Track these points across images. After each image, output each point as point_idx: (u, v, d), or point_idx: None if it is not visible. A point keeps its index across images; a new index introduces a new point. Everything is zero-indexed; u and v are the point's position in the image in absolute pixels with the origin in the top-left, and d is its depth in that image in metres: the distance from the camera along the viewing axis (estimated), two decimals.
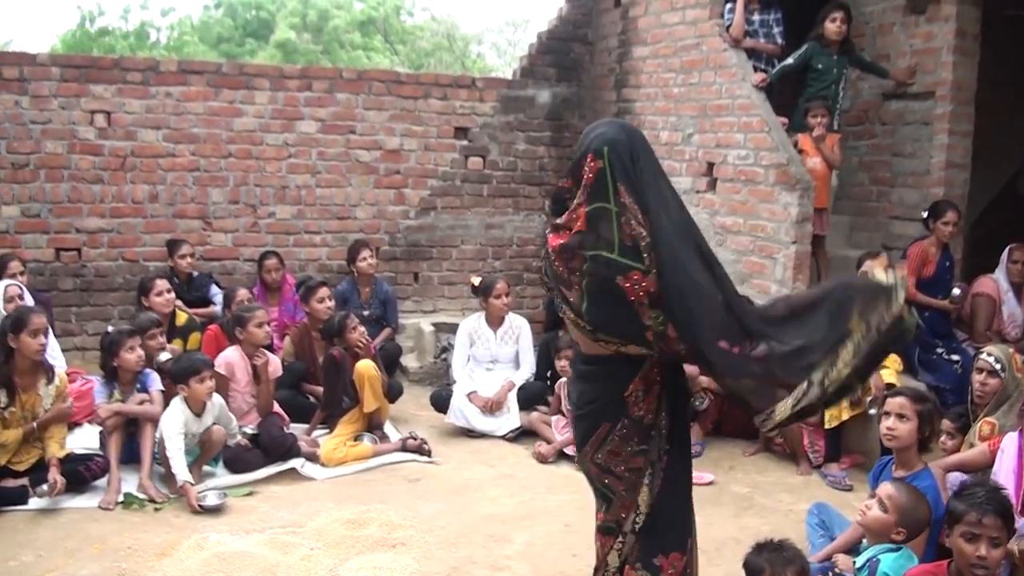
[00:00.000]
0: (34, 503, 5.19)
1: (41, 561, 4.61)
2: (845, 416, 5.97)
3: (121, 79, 8.17)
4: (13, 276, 7.01)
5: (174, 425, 5.52)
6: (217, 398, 5.81)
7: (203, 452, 5.71)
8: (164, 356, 6.13)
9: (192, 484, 5.38)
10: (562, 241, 3.04)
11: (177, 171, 8.34)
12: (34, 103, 7.99)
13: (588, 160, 3.01)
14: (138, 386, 5.82)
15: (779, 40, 7.50)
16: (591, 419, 3.26)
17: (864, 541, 4.14)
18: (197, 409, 5.65)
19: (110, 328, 6.29)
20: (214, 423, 5.71)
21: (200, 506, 5.26)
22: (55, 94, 8.04)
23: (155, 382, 5.87)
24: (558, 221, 3.08)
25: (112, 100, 8.16)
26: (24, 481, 5.30)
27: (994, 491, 3.68)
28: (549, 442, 6.37)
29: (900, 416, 4.42)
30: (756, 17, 7.48)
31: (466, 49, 30.47)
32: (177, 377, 5.70)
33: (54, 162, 8.09)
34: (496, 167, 9.21)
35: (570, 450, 6.10)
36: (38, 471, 5.33)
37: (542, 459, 6.25)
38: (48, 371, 5.48)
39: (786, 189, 6.70)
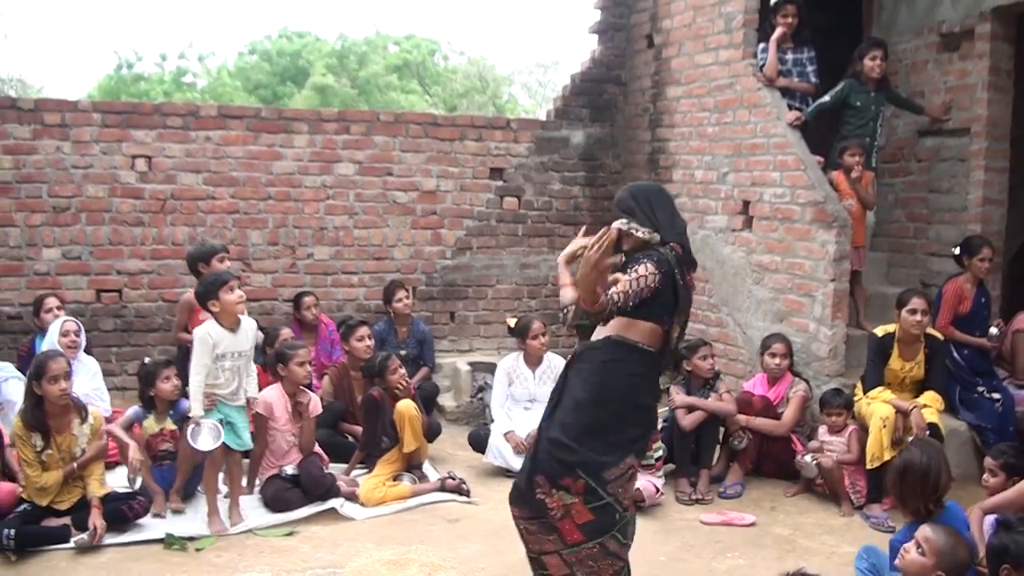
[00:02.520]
0: (79, 540, 5.21)
1: None
2: (887, 456, 5.89)
3: (162, 124, 8.34)
4: (50, 312, 7.10)
5: (203, 354, 5.52)
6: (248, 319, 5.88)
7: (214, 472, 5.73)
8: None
9: (198, 422, 5.49)
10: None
11: (217, 213, 8.47)
12: (75, 148, 8.16)
13: None
14: (171, 413, 5.92)
15: (812, 79, 7.53)
16: None
17: None
18: (231, 324, 5.64)
19: (147, 359, 6.36)
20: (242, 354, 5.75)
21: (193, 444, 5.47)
22: (96, 139, 8.20)
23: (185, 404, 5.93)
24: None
25: (153, 145, 8.31)
26: (66, 520, 5.34)
27: None
28: None
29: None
30: (789, 56, 7.52)
31: (498, 90, 30.71)
32: (206, 295, 5.63)
33: (95, 205, 8.24)
34: (531, 207, 9.26)
35: None
36: (80, 509, 5.38)
37: None
38: (81, 411, 5.51)
39: (823, 227, 6.69)
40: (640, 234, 4.04)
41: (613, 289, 3.74)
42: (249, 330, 5.82)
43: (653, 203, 4.14)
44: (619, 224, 4.03)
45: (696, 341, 6.85)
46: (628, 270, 3.89)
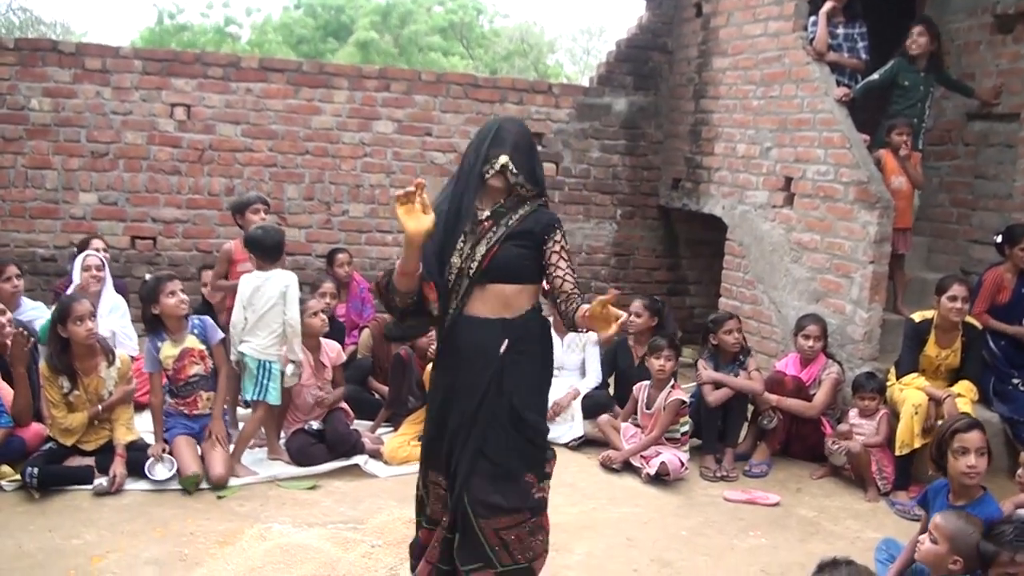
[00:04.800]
0: (98, 487, 5.24)
1: (104, 541, 4.66)
2: (917, 444, 5.80)
3: (202, 74, 8.33)
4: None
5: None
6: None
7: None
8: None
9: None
10: None
11: (254, 166, 8.47)
12: (115, 94, 8.18)
13: None
14: (195, 331, 5.67)
15: (863, 55, 7.37)
16: None
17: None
18: None
19: (147, 276, 6.29)
20: None
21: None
22: (137, 86, 8.21)
23: (216, 333, 5.76)
24: None
25: (192, 94, 8.32)
26: (90, 461, 5.39)
27: (1022, 526, 3.57)
28: (617, 449, 6.29)
29: (980, 452, 4.21)
30: (840, 31, 7.36)
31: (541, 55, 30.49)
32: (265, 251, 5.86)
33: (133, 152, 8.27)
34: (569, 174, 9.18)
35: (636, 460, 6.04)
36: (106, 452, 5.42)
37: (608, 463, 6.16)
38: (108, 354, 5.52)
39: (865, 207, 6.57)
40: (524, 190, 3.64)
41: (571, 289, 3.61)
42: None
43: (534, 149, 3.72)
44: (504, 162, 3.57)
45: (723, 315, 6.78)
46: (540, 240, 3.62)
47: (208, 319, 5.87)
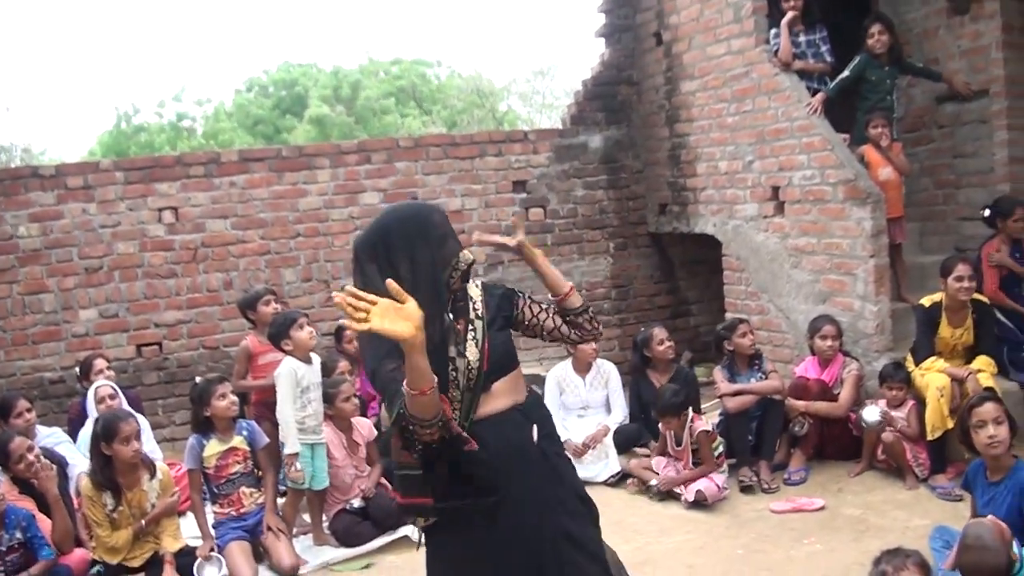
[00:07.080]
0: None
1: None
2: (949, 425, 5.87)
3: (184, 175, 8.36)
4: (99, 373, 7.08)
5: (289, 387, 5.75)
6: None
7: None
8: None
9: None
10: None
11: (248, 256, 8.49)
12: (101, 208, 8.18)
13: None
14: (244, 434, 5.76)
15: (828, 58, 7.54)
16: None
17: None
18: (304, 359, 5.90)
19: (197, 379, 6.34)
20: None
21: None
22: (121, 197, 8.22)
23: (263, 438, 5.86)
24: None
25: (177, 196, 8.34)
26: None
27: None
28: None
29: (997, 421, 4.33)
30: (802, 38, 7.51)
31: (496, 103, 30.71)
32: (278, 336, 5.94)
33: (127, 262, 8.25)
34: (557, 216, 9.25)
35: (681, 490, 6.09)
36: (154, 565, 5.40)
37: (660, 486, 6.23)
38: (150, 467, 5.54)
39: (856, 204, 6.68)
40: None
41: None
42: (317, 363, 6.01)
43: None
44: (471, 260, 3.15)
45: (733, 320, 6.92)
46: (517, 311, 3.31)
47: (255, 424, 5.94)
